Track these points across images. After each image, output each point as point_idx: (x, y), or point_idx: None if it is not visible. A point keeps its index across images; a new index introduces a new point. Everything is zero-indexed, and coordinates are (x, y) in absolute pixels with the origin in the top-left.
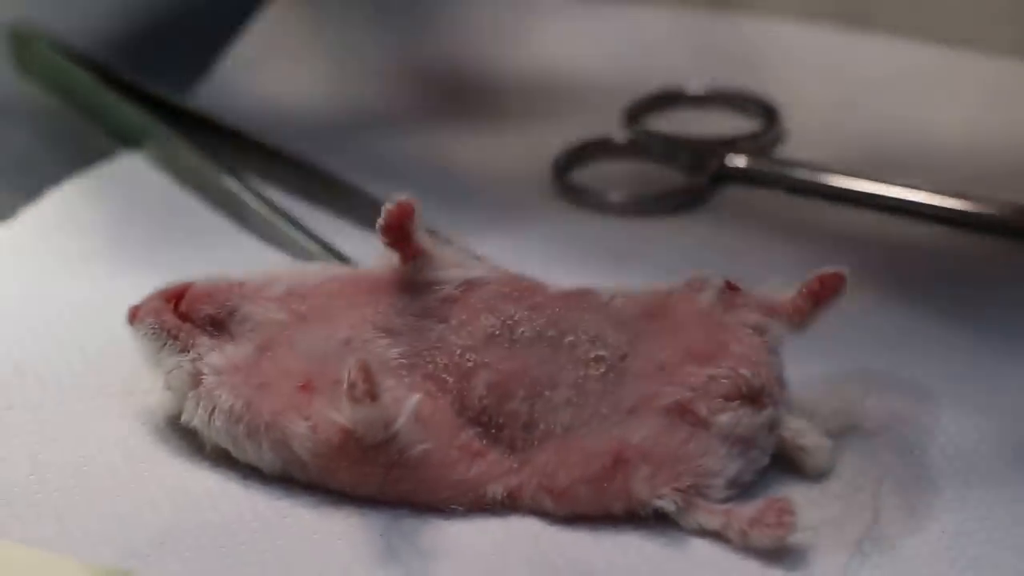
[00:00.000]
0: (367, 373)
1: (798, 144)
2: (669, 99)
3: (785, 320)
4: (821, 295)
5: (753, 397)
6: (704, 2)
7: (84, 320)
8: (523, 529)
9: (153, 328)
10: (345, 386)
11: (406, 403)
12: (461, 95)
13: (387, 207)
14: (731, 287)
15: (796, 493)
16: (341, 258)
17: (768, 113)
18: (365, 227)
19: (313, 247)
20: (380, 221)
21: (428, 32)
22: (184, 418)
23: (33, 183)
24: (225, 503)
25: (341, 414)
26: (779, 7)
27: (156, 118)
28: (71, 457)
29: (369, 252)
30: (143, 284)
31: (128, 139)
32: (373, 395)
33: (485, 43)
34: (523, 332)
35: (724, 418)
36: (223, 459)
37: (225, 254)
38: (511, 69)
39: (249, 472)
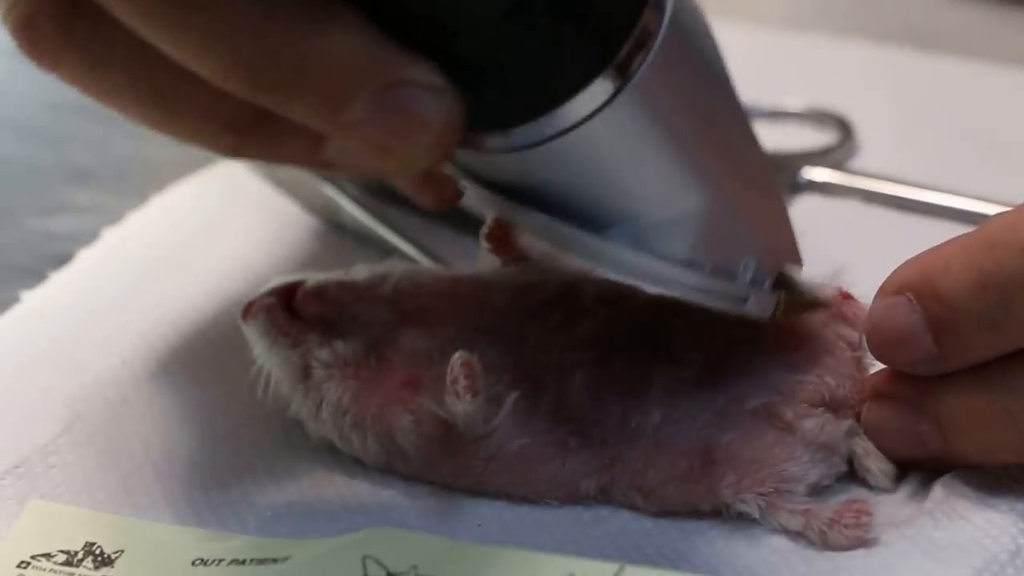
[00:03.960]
0: (470, 370)
1: (870, 158)
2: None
3: None
4: None
5: (836, 406)
6: (778, 22)
7: (189, 319)
8: (614, 521)
9: (265, 324)
10: (448, 382)
11: (505, 400)
12: None
13: (492, 216)
14: (845, 296)
15: (869, 493)
16: (436, 260)
17: (842, 127)
18: (457, 230)
19: (409, 249)
20: (484, 229)
21: None
22: (292, 410)
23: (138, 187)
24: (330, 492)
25: (444, 409)
26: (850, 29)
27: None
28: (182, 447)
29: (461, 254)
30: (243, 285)
31: None
32: (475, 391)
33: None
34: (620, 334)
35: (809, 423)
36: (328, 451)
37: (322, 257)
38: None
39: (353, 463)
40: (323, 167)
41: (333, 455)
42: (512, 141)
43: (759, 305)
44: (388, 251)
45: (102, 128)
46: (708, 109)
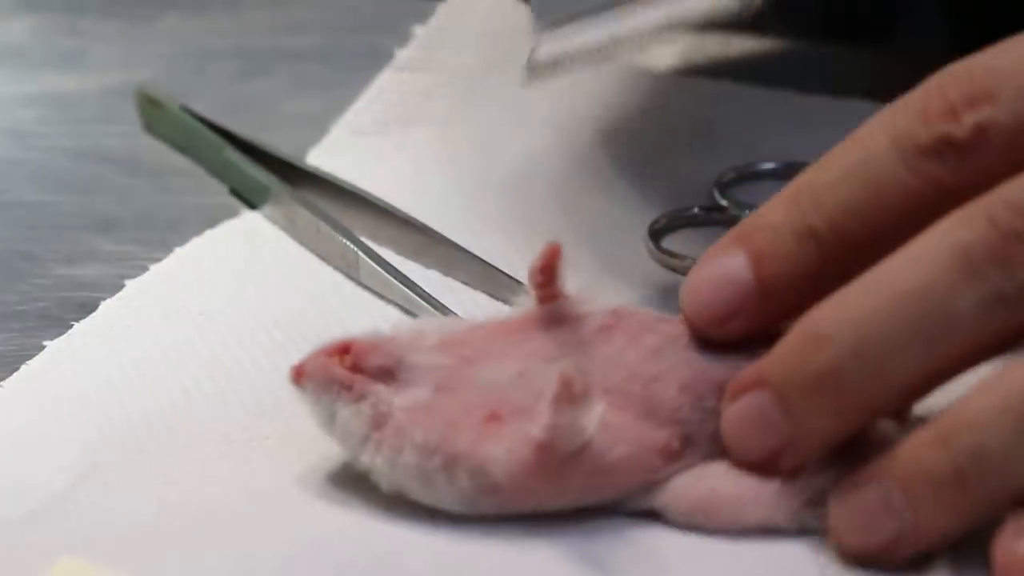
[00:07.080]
0: (569, 383)
1: None
2: (754, 174)
3: None
4: None
5: None
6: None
7: (208, 372)
8: None
9: (325, 381)
10: (553, 398)
11: (593, 410)
12: (562, 164)
13: (541, 250)
14: None
15: None
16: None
17: None
18: (471, 285)
19: (424, 304)
20: (535, 262)
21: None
22: (363, 461)
23: (161, 239)
24: (342, 543)
25: (538, 428)
26: None
27: (277, 178)
28: (196, 499)
29: (475, 309)
30: (265, 339)
31: (251, 198)
32: (576, 402)
33: (587, 113)
34: (687, 343)
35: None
36: (338, 504)
37: (342, 311)
38: (615, 136)
39: (369, 514)
40: None
41: (345, 507)
42: None
43: None
44: (406, 306)
45: (126, 177)
46: None
